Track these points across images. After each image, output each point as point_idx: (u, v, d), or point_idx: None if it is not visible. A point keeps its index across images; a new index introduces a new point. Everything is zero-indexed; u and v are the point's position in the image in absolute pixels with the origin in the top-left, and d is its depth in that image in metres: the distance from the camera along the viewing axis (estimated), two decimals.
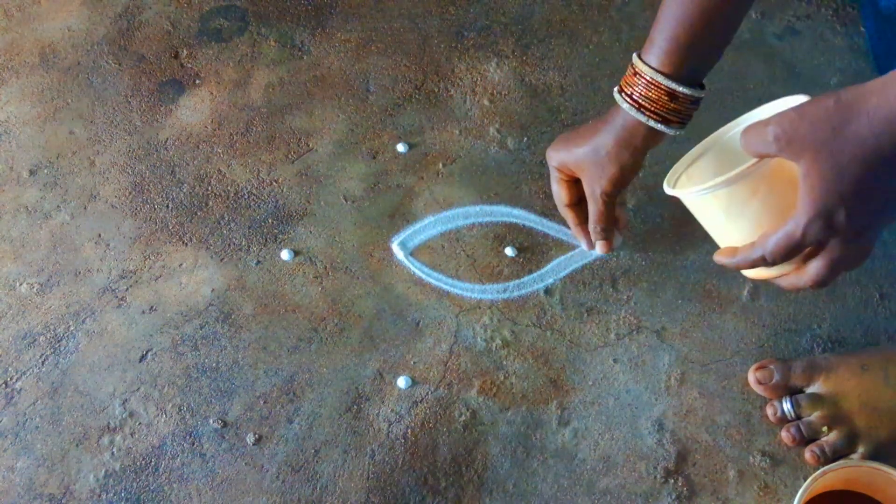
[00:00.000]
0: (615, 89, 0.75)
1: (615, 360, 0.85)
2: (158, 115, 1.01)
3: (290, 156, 0.97)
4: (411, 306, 0.88)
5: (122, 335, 0.87)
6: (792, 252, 0.55)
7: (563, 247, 0.91)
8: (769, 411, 0.80)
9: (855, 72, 1.02)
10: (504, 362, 0.85)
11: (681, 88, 0.71)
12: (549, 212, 0.93)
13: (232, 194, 0.95)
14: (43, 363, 0.85)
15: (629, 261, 0.90)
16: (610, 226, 0.83)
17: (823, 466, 0.76)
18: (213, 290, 0.89)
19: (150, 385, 0.84)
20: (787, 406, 0.79)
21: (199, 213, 0.94)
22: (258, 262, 0.91)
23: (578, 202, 0.84)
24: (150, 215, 0.94)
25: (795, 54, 1.03)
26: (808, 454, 0.78)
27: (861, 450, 0.77)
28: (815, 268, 0.57)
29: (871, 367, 0.78)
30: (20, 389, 0.84)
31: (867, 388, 0.77)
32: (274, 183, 0.95)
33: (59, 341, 0.86)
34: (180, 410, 0.82)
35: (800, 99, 0.58)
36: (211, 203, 0.94)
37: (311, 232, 0.92)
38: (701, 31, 0.69)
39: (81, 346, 0.86)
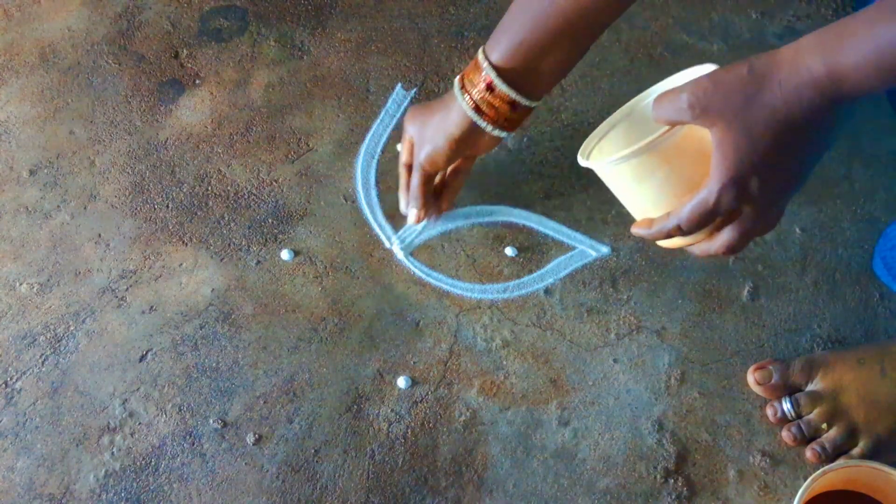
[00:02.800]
0: (456, 83, 0.75)
1: (615, 360, 0.85)
2: (158, 115, 1.01)
3: (290, 156, 0.97)
4: (411, 306, 0.88)
5: (122, 335, 0.87)
6: (706, 220, 0.56)
7: (563, 247, 0.91)
8: (769, 412, 0.80)
9: None
10: (504, 362, 0.85)
11: (524, 101, 0.71)
12: (549, 212, 0.93)
13: (232, 194, 0.95)
14: (43, 363, 0.85)
15: (629, 261, 0.90)
16: (422, 198, 0.84)
17: (824, 464, 0.76)
18: (213, 290, 0.89)
19: (150, 385, 0.84)
20: (786, 406, 0.80)
21: (199, 213, 0.94)
22: (258, 262, 0.91)
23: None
24: (150, 215, 0.94)
25: None
26: (808, 452, 0.78)
27: (861, 444, 0.77)
28: (727, 235, 0.58)
29: (868, 361, 0.78)
30: (20, 389, 0.84)
31: (864, 381, 0.78)
32: (274, 183, 0.95)
33: (59, 341, 0.86)
34: (180, 410, 0.83)
35: (708, 68, 0.58)
36: (211, 203, 0.94)
37: (311, 232, 0.92)
38: (557, 35, 0.69)
39: (81, 346, 0.86)
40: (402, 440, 0.81)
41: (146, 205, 0.94)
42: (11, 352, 0.86)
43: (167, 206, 0.94)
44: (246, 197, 0.95)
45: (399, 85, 1.01)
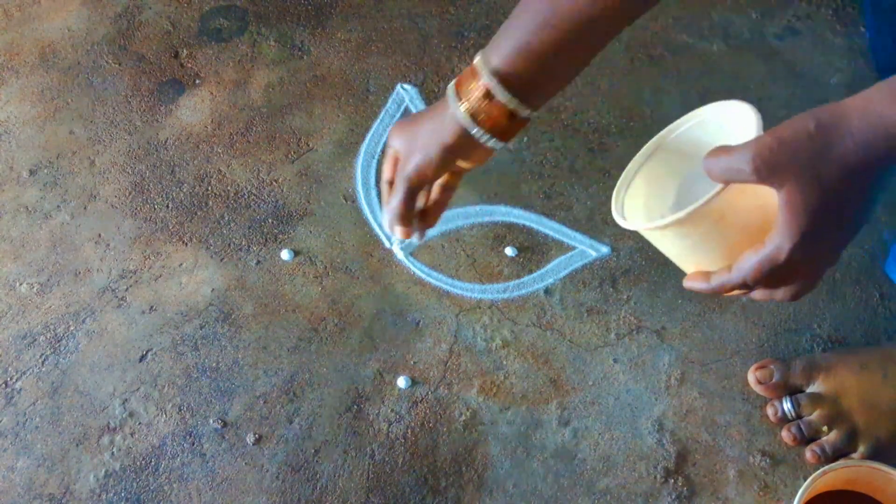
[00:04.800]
0: (451, 89, 0.68)
1: (615, 360, 0.85)
2: (158, 115, 1.01)
3: (290, 156, 0.97)
4: (411, 306, 0.88)
5: (122, 335, 0.87)
6: (773, 275, 0.55)
7: (563, 247, 0.91)
8: (769, 411, 0.80)
9: (854, 71, 1.02)
10: (504, 362, 0.85)
11: (523, 110, 0.66)
12: (550, 212, 0.93)
13: (232, 194, 0.95)
14: (43, 363, 0.85)
15: (629, 261, 0.90)
16: (407, 214, 0.73)
17: (824, 466, 0.76)
18: (213, 290, 0.89)
19: (150, 385, 0.84)
20: (787, 406, 0.80)
21: (199, 213, 0.94)
22: (258, 262, 0.91)
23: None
24: (150, 215, 0.94)
25: (795, 54, 1.03)
26: (808, 453, 0.78)
27: (861, 448, 0.77)
28: (795, 286, 0.57)
29: (870, 366, 0.78)
30: (20, 389, 0.84)
31: (866, 386, 0.78)
32: (274, 183, 0.95)
33: (59, 341, 0.86)
34: (180, 410, 0.83)
35: (738, 105, 0.57)
36: (211, 203, 0.94)
37: (311, 232, 0.92)
38: (563, 43, 0.64)
39: (81, 346, 0.86)
40: (402, 440, 0.81)
41: (146, 205, 0.94)
42: (11, 352, 0.86)
43: (167, 206, 0.94)
44: (246, 197, 0.95)
45: (399, 85, 1.01)
